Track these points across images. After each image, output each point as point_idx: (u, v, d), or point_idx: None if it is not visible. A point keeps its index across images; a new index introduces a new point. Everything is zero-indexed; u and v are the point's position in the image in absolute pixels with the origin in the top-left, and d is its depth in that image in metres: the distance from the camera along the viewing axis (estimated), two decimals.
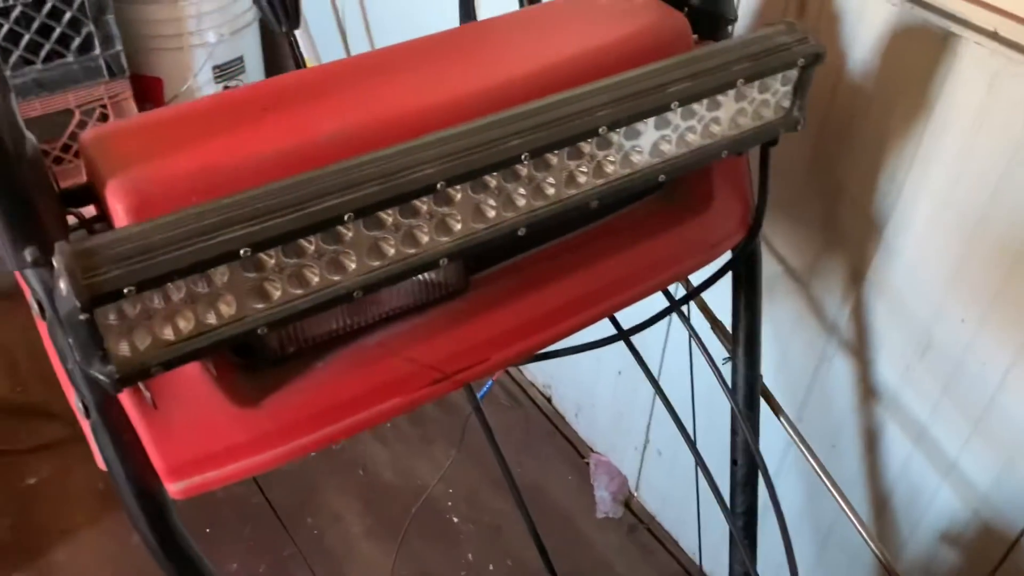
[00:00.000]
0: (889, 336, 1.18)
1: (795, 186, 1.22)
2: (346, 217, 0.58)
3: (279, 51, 2.67)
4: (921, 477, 1.22)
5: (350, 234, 0.60)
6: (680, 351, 1.61)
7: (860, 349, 1.24)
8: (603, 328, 0.95)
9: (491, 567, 1.90)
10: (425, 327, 0.73)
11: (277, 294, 0.60)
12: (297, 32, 1.85)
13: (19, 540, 1.90)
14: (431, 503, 1.98)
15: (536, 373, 2.27)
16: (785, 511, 1.52)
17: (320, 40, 2.42)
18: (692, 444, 0.98)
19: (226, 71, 2.46)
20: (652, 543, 1.97)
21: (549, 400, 2.25)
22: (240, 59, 2.49)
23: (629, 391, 1.88)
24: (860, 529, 1.10)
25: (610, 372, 1.92)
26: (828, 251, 1.23)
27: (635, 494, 2.05)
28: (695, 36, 0.88)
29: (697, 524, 1.39)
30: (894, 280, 1.14)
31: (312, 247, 0.60)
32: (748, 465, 1.07)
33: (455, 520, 1.97)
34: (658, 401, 1.81)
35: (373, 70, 0.75)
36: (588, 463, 2.11)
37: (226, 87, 2.47)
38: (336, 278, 0.62)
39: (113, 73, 2.19)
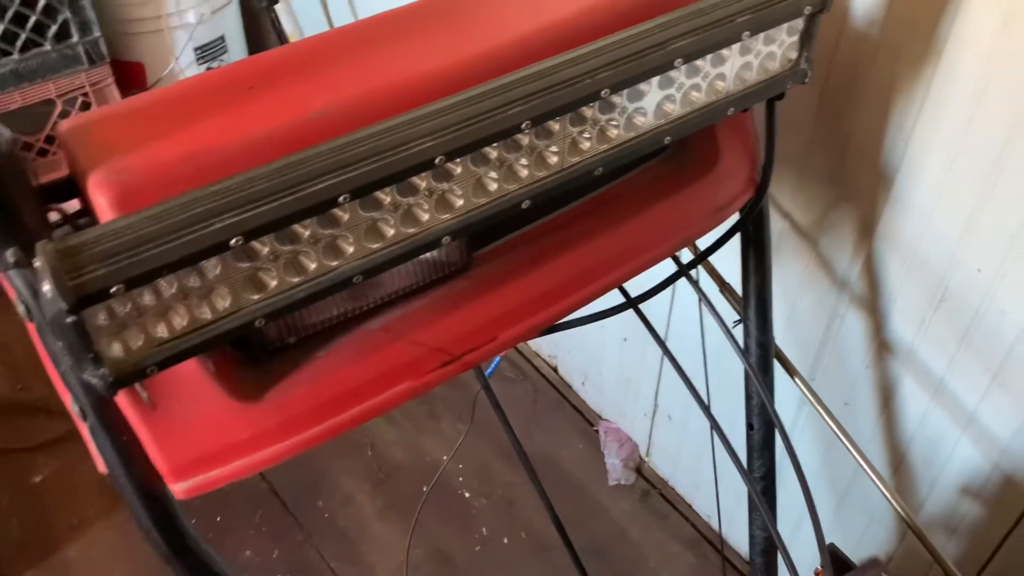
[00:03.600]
0: (903, 289, 1.16)
1: (800, 140, 1.19)
2: (341, 199, 0.55)
3: (261, 29, 2.61)
4: (939, 431, 1.20)
5: (346, 216, 0.57)
6: (685, 316, 1.59)
7: (873, 304, 1.22)
8: (610, 296, 0.92)
9: (506, 540, 1.89)
10: (430, 308, 0.71)
11: (273, 283, 0.57)
12: (277, 7, 1.80)
13: (29, 538, 1.89)
14: (442, 480, 1.97)
15: (541, 343, 2.25)
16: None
17: (302, 14, 2.37)
18: (707, 409, 0.96)
19: (208, 52, 2.41)
20: (665, 507, 1.96)
21: (555, 370, 2.23)
22: (222, 39, 2.44)
23: (636, 357, 1.86)
24: (879, 484, 1.08)
25: (615, 339, 1.90)
26: (837, 206, 1.20)
27: (646, 460, 2.04)
28: None
29: (715, 488, 1.38)
30: (906, 232, 1.11)
31: (307, 232, 0.57)
32: (765, 428, 1.05)
33: (467, 496, 1.96)
34: (666, 366, 1.79)
35: (360, 42, 0.71)
36: (597, 431, 2.09)
37: (209, 68, 2.42)
38: (334, 263, 0.59)
39: (93, 60, 2.14)
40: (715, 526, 1.87)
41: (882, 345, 1.23)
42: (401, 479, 1.99)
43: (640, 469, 2.04)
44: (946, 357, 1.14)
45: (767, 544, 1.13)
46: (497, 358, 1.69)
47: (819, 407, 1.11)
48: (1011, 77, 0.91)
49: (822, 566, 1.06)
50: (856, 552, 1.47)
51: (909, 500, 1.31)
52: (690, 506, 1.95)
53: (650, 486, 2.00)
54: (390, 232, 0.60)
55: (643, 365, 1.84)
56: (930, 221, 1.07)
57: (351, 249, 0.59)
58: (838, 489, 1.44)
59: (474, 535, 1.90)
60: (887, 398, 1.27)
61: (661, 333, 1.72)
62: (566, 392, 2.19)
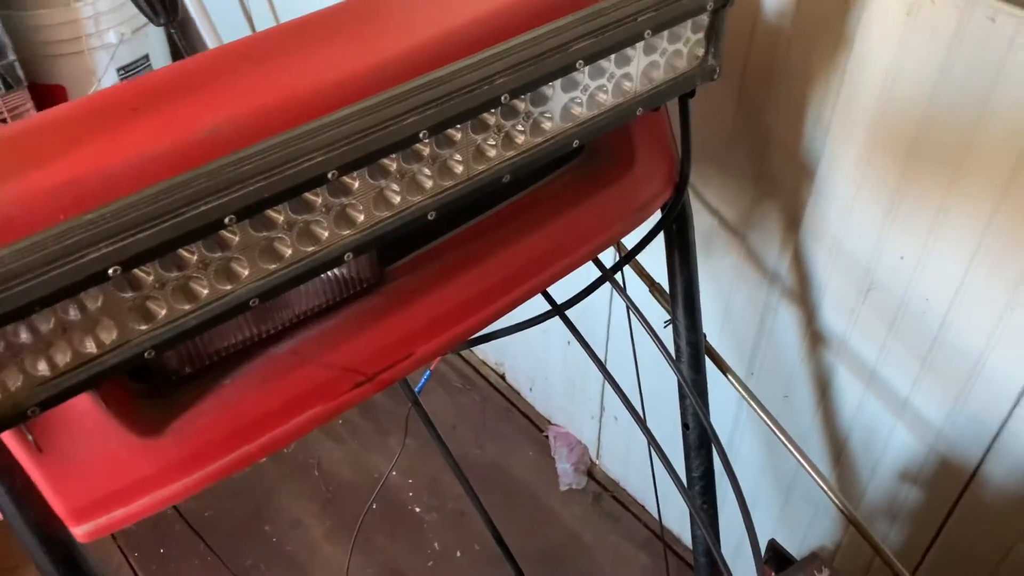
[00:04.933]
0: (831, 281, 1.16)
1: (722, 136, 1.19)
2: (227, 220, 0.52)
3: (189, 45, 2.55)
4: (875, 419, 1.21)
5: (236, 238, 0.55)
6: (625, 317, 1.59)
7: (804, 296, 1.22)
8: (543, 301, 0.91)
9: (458, 554, 1.87)
10: (341, 327, 0.68)
11: (162, 312, 0.54)
12: (198, 21, 1.75)
13: None
14: (392, 496, 1.94)
15: (487, 351, 2.23)
16: (745, 466, 1.51)
17: (224, 28, 2.32)
18: (639, 419, 0.95)
19: (132, 72, 2.35)
20: (618, 510, 1.96)
21: (503, 377, 2.21)
22: (146, 58, 2.38)
23: (580, 360, 1.85)
24: (817, 479, 1.08)
25: (559, 343, 1.89)
26: (762, 200, 1.20)
27: (596, 462, 2.03)
28: None
29: (655, 493, 1.37)
30: (830, 223, 1.12)
31: (195, 256, 0.54)
32: (700, 427, 1.05)
33: (417, 510, 1.93)
34: (610, 367, 1.79)
35: (256, 55, 0.68)
36: (547, 436, 2.08)
37: None
38: (227, 287, 0.56)
39: (9, 85, 2.07)
40: (668, 525, 1.87)
41: (815, 337, 1.24)
42: (349, 498, 1.95)
43: (591, 472, 2.03)
44: (877, 345, 1.14)
45: (706, 546, 1.12)
46: (427, 372, 1.67)
47: (754, 404, 1.11)
48: (919, 65, 0.92)
49: (764, 562, 1.06)
50: (804, 542, 1.48)
51: (851, 488, 1.32)
52: (642, 506, 1.95)
53: (602, 489, 1.99)
54: (287, 252, 0.58)
55: (587, 368, 1.84)
56: (852, 212, 1.08)
57: (246, 272, 0.57)
58: (783, 482, 1.45)
59: (426, 550, 1.87)
60: (824, 389, 1.28)
61: (602, 334, 1.71)
62: (514, 399, 2.17)
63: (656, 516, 1.91)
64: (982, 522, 1.14)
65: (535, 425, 2.12)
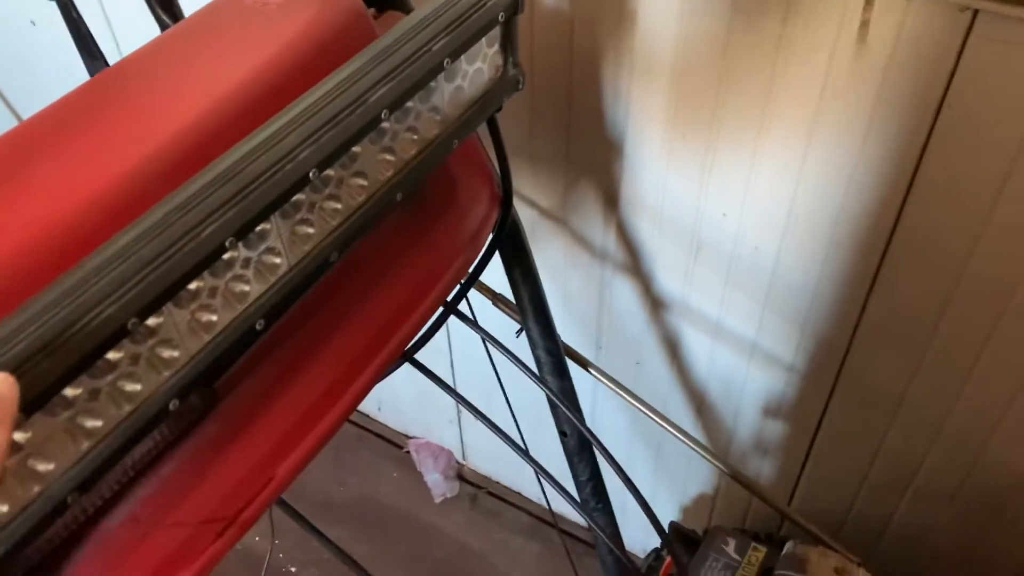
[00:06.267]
0: (660, 248, 1.16)
1: (523, 129, 1.15)
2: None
3: None
4: (728, 367, 1.24)
5: (29, 434, 0.44)
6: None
7: (636, 267, 1.22)
8: None
9: None
10: (181, 474, 0.58)
11: None
12: None
13: None
14: (266, 565, 1.80)
15: None
16: (612, 436, 1.52)
17: None
18: (510, 440, 0.90)
19: None
20: (497, 505, 1.93)
21: None
22: None
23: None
24: (682, 439, 1.08)
25: None
26: (577, 183, 1.17)
27: (464, 463, 1.99)
28: (371, 10, 0.76)
29: (539, 484, 1.34)
30: (648, 194, 1.11)
31: None
32: (578, 434, 1.02)
33: (294, 570, 1.81)
34: (458, 366, 1.73)
35: None
36: (408, 452, 2.01)
37: None
38: (35, 489, 0.45)
39: None
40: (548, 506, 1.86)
41: (656, 303, 1.24)
42: None
43: (461, 475, 1.98)
44: (717, 299, 1.16)
45: (610, 545, 1.10)
46: None
47: (613, 386, 1.09)
48: (705, 30, 0.91)
49: (661, 547, 1.06)
50: (684, 494, 1.52)
51: (717, 435, 1.36)
52: (519, 494, 1.93)
53: (476, 488, 1.95)
54: (97, 424, 0.47)
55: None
56: (667, 180, 1.07)
57: (51, 466, 0.45)
58: (652, 442, 1.47)
59: None
60: (674, 350, 1.29)
61: (444, 347, 1.65)
62: (365, 423, 2.08)
63: (535, 500, 1.90)
64: (842, 445, 1.20)
65: (393, 444, 2.04)
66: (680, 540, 1.04)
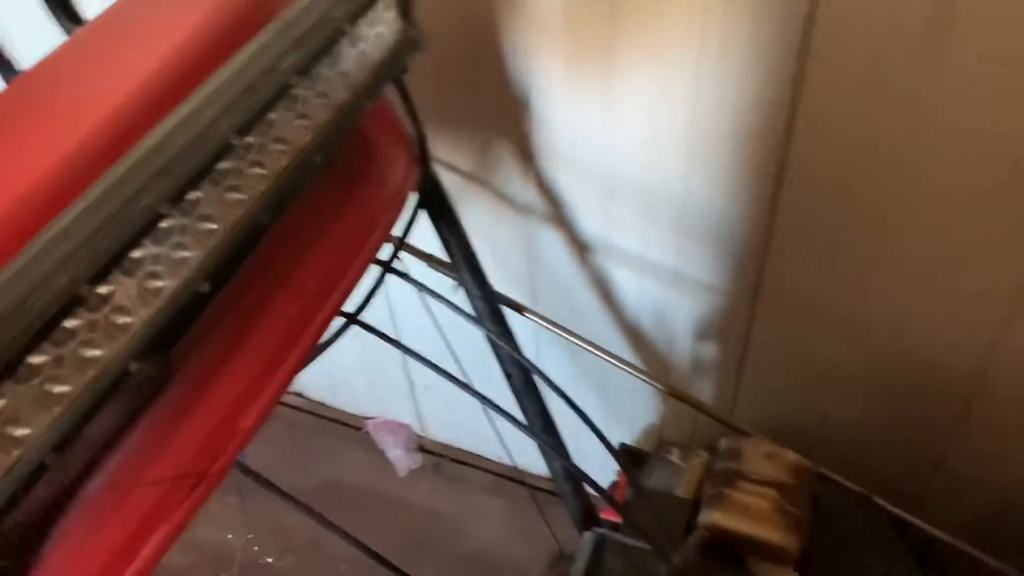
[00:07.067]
0: (579, 194, 1.22)
1: (428, 93, 1.19)
2: None
3: None
4: (657, 297, 1.31)
5: (3, 401, 0.47)
6: (404, 291, 1.58)
7: (559, 216, 1.28)
8: None
9: None
10: (150, 440, 0.61)
11: None
12: None
13: None
14: (241, 561, 1.83)
15: None
16: (559, 380, 1.58)
17: None
18: (464, 384, 0.96)
19: None
20: (460, 470, 1.98)
21: (300, 395, 2.13)
22: None
23: (370, 346, 1.82)
24: (622, 367, 1.15)
25: (344, 338, 1.84)
26: (491, 143, 1.23)
27: (423, 435, 2.03)
28: None
29: (499, 440, 1.40)
30: (559, 144, 1.17)
31: None
32: (521, 371, 1.07)
33: (271, 561, 1.84)
34: (406, 339, 1.77)
35: None
36: (367, 432, 2.05)
37: None
38: (15, 453, 0.49)
39: None
40: (508, 462, 1.92)
41: (582, 248, 1.30)
42: None
43: (423, 447, 2.03)
44: (638, 236, 1.23)
45: (566, 471, 1.17)
46: None
47: (551, 326, 1.15)
48: None
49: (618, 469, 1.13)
50: (633, 425, 1.59)
51: (657, 365, 1.43)
52: (479, 456, 1.98)
53: (438, 457, 2.01)
54: (65, 389, 0.51)
55: (382, 350, 1.81)
56: (576, 127, 1.13)
57: (28, 430, 0.49)
58: (596, 381, 1.54)
59: None
60: (605, 290, 1.36)
61: (386, 312, 1.69)
62: (320, 411, 2.11)
63: (496, 459, 1.96)
64: (771, 354, 1.29)
65: (351, 427, 2.07)
66: (630, 458, 1.11)
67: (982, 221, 0.96)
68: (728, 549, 0.90)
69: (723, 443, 1.02)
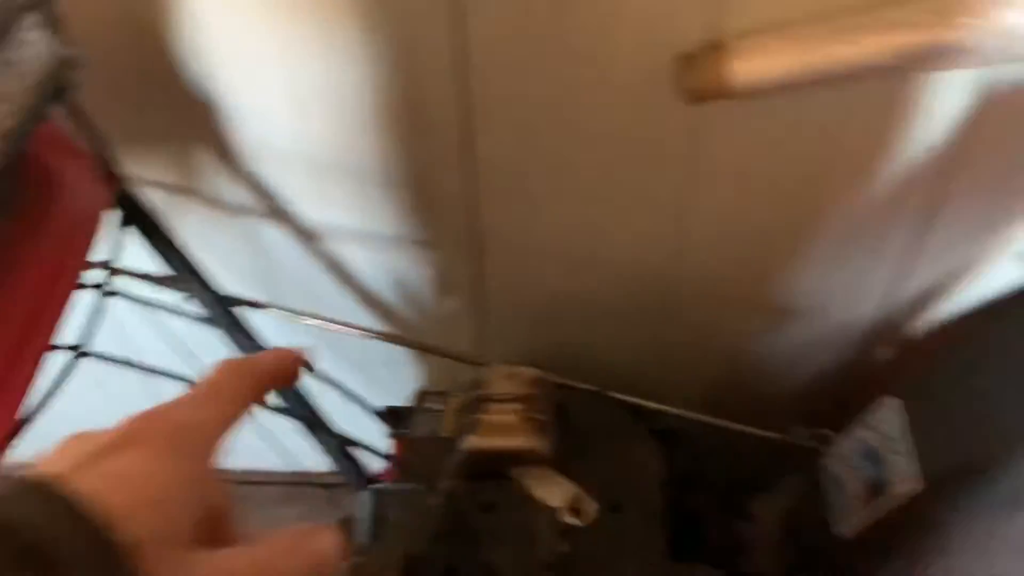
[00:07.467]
0: (288, 180, 1.24)
1: (116, 110, 1.15)
2: None
3: None
4: (388, 267, 1.37)
5: None
6: (126, 316, 1.51)
7: (276, 208, 1.29)
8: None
9: None
10: None
11: None
12: None
13: None
14: None
15: None
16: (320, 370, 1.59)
17: None
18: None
19: None
20: (244, 490, 1.95)
21: None
22: None
23: (94, 383, 1.73)
24: (371, 335, 1.20)
25: (86, 383, 1.72)
26: (190, 149, 1.21)
27: None
28: None
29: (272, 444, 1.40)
30: (253, 138, 1.17)
31: None
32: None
33: None
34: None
35: None
36: None
37: None
38: None
39: None
40: (289, 468, 1.91)
41: (308, 235, 1.33)
42: None
43: None
44: (357, 212, 1.27)
45: (339, 448, 1.20)
46: None
47: (292, 314, 1.17)
48: None
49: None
50: (401, 391, 1.64)
51: (410, 328, 1.49)
52: (260, 471, 1.95)
53: None
54: None
55: (126, 384, 1.72)
56: (264, 117, 1.14)
57: None
58: (358, 361, 1.57)
59: None
60: (341, 271, 1.39)
61: (121, 339, 1.61)
62: None
63: (275, 470, 1.94)
64: (511, 296, 1.38)
65: None
66: (395, 416, 1.17)
67: (639, 120, 1.04)
68: (489, 465, 0.99)
69: (470, 379, 1.11)
